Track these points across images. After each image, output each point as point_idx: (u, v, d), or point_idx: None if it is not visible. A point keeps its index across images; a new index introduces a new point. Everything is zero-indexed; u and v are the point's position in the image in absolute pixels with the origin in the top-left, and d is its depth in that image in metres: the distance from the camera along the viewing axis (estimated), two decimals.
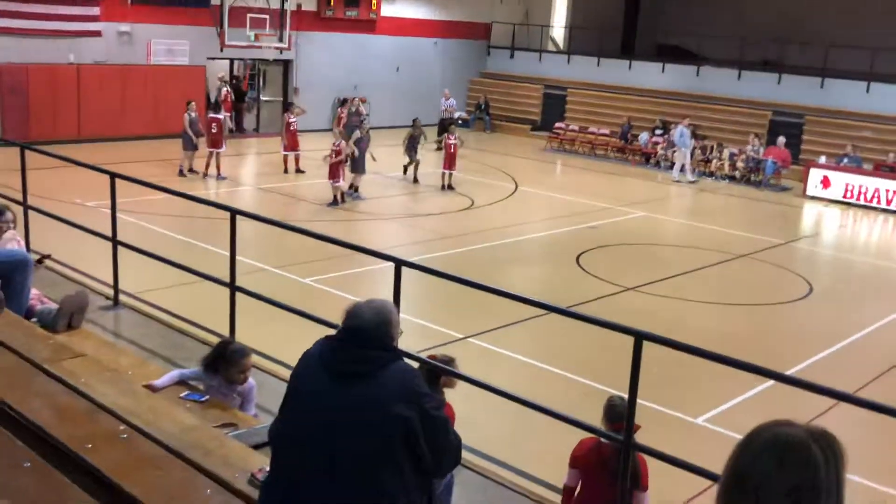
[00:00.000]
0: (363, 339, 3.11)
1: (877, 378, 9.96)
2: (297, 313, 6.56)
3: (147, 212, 14.66)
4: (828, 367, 10.28)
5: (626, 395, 4.60)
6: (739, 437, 6.98)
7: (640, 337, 4.31)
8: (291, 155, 20.13)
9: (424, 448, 3.04)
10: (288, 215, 15.73)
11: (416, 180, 20.04)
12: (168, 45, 23.50)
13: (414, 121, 20.44)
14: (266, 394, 5.55)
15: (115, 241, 8.03)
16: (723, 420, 8.56)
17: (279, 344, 8.52)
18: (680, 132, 22.46)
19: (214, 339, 6.99)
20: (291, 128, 20.05)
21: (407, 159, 20.44)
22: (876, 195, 20.34)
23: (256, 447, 4.25)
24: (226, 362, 5.39)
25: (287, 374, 6.50)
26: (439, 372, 5.51)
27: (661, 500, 5.65)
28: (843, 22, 28.34)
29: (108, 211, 7.99)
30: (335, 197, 16.94)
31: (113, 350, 6.23)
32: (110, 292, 8.26)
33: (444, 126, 25.01)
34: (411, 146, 20.22)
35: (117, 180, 7.90)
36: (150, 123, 22.63)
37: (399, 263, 5.55)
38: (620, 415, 4.91)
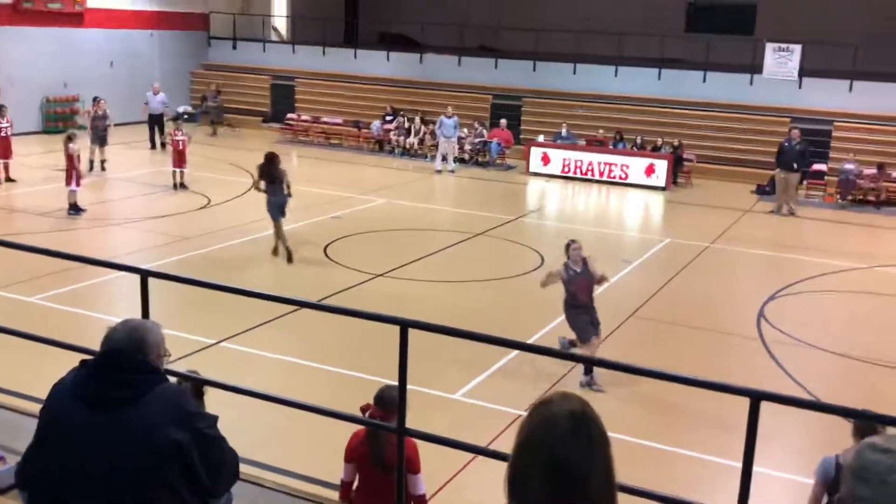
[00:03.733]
0: (120, 362, 2.90)
1: (611, 334, 10.85)
2: (25, 337, 5.89)
3: None
4: (568, 330, 11.04)
5: (393, 383, 4.64)
6: (494, 406, 7.30)
7: (405, 325, 4.35)
8: (1, 163, 18.33)
9: (200, 469, 2.90)
10: (7, 229, 14.30)
11: (588, 378, 9.42)
12: None
13: (569, 245, 9.99)
14: (5, 430, 5.00)
15: None
16: (479, 392, 8.95)
17: (12, 374, 7.75)
18: (440, 122, 22.82)
19: None
20: (2, 133, 18.27)
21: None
22: (590, 168, 22.12)
23: (3, 492, 3.83)
24: None
25: (26, 405, 5.93)
26: (199, 384, 5.27)
27: (431, 478, 5.79)
28: (553, 7, 30.46)
29: None
30: (74, 204, 15.74)
31: None
32: None
33: (157, 123, 23.78)
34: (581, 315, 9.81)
35: None
36: None
37: (145, 274, 5.19)
38: (388, 402, 4.96)
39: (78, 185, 15.77)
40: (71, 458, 2.81)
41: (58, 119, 25.46)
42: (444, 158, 22.72)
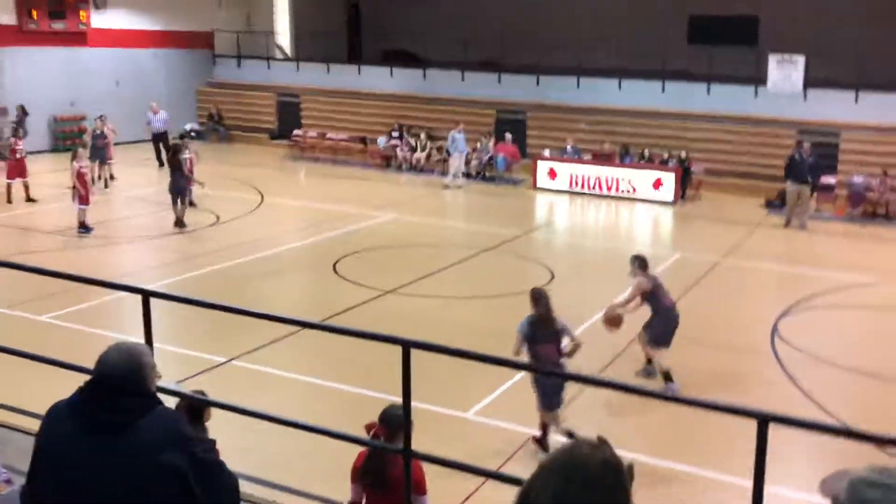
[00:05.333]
0: (114, 386, 2.85)
1: (622, 353, 10.73)
2: (31, 357, 5.79)
3: None
4: None
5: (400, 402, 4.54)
6: (510, 425, 7.13)
7: (406, 345, 4.24)
8: (17, 182, 18.39)
9: (199, 495, 2.83)
10: (16, 248, 14.28)
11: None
12: None
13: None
14: (12, 452, 4.91)
15: None
16: (492, 410, 8.83)
17: (21, 393, 7.67)
18: (452, 138, 22.81)
19: None
20: (18, 155, 18.36)
21: None
22: (597, 182, 22.01)
23: None
24: None
25: (34, 424, 5.83)
26: (199, 406, 5.17)
27: (441, 498, 5.68)
28: (556, 22, 30.39)
29: None
30: (83, 222, 15.79)
31: None
32: None
33: (161, 141, 23.79)
34: None
35: None
36: None
37: (146, 294, 5.09)
38: (393, 422, 4.85)
39: (85, 203, 15.76)
40: (67, 483, 2.78)
41: (66, 138, 25.53)
42: (455, 174, 22.71)
